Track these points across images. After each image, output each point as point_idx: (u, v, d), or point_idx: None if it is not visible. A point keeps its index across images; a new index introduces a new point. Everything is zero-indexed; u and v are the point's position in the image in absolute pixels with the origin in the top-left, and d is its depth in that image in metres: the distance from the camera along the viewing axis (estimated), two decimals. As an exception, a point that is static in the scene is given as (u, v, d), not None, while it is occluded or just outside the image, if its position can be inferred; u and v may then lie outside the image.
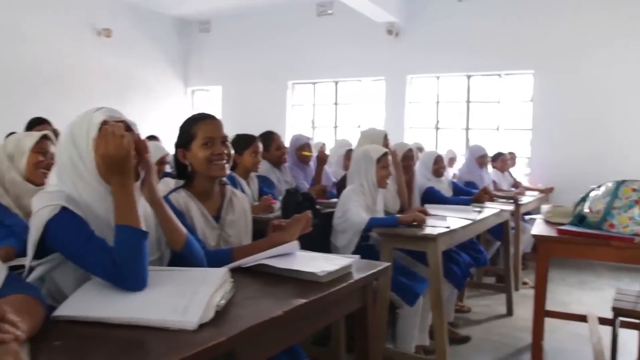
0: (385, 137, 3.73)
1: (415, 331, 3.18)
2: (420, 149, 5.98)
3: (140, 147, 1.45)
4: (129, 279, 1.27)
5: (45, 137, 2.28)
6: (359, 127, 9.05)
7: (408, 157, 3.92)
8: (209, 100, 10.64)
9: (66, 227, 1.30)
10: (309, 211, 1.87)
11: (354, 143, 5.52)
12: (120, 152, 1.35)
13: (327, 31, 8.84)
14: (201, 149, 1.84)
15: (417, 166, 4.31)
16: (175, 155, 1.92)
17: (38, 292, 1.17)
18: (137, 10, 9.27)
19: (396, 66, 8.38)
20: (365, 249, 3.09)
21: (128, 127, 1.45)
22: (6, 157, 2.20)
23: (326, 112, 9.42)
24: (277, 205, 3.16)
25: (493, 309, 4.50)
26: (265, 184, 3.51)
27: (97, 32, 8.72)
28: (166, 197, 1.80)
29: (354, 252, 2.98)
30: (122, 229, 1.32)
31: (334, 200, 3.97)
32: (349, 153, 5.10)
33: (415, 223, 2.99)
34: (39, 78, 7.75)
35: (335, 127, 9.29)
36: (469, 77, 8.06)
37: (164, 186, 1.89)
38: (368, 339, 1.80)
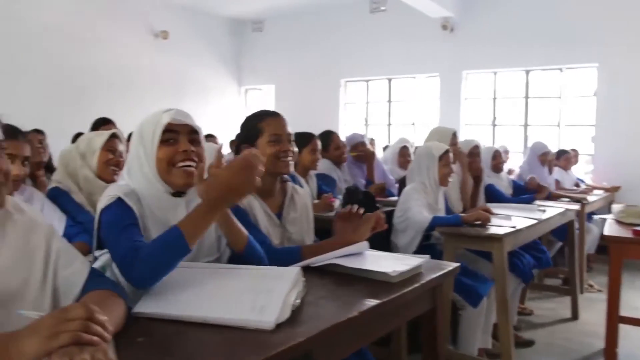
0: (454, 135, 3.63)
1: (478, 333, 3.09)
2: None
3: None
4: (140, 273, 1.21)
5: (114, 136, 2.34)
6: (413, 124, 8.92)
7: (474, 154, 3.82)
8: (262, 99, 10.76)
9: (112, 215, 1.34)
10: (380, 211, 1.84)
11: (410, 140, 5.45)
12: (247, 190, 1.31)
13: (380, 28, 8.76)
14: (268, 146, 1.84)
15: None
16: (237, 151, 1.92)
17: (119, 288, 1.19)
18: (192, 11, 9.46)
19: (451, 62, 8.21)
20: (426, 248, 3.03)
21: (194, 130, 1.45)
22: (79, 156, 2.27)
23: (379, 110, 9.33)
24: (337, 203, 3.14)
25: (557, 312, 4.33)
26: (324, 182, 3.50)
27: (155, 35, 8.96)
28: None
29: (415, 252, 2.93)
30: (176, 233, 1.25)
31: (393, 198, 3.92)
32: (403, 150, 5.03)
33: (479, 222, 2.90)
34: (102, 81, 8.05)
35: (389, 124, 9.20)
36: (527, 72, 7.80)
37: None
38: (437, 342, 1.75)
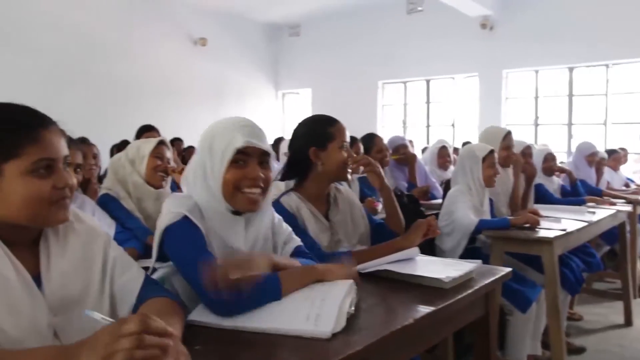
0: (507, 136, 3.49)
1: (527, 340, 3.00)
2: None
3: None
4: (228, 309, 1.18)
5: (161, 143, 2.38)
6: (452, 125, 8.80)
7: (526, 155, 3.72)
8: (299, 102, 10.81)
9: (180, 235, 1.30)
10: (432, 217, 1.80)
11: (449, 141, 5.37)
12: (348, 274, 1.37)
13: (418, 29, 8.68)
14: (339, 151, 1.84)
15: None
16: (296, 154, 1.90)
17: (176, 295, 1.19)
18: (230, 18, 9.59)
19: (491, 61, 8.06)
20: (471, 251, 2.96)
21: (265, 152, 1.40)
22: (128, 163, 2.32)
23: (417, 111, 9.24)
24: (380, 207, 3.11)
25: (608, 318, 4.17)
26: (366, 186, 3.46)
27: (194, 42, 9.12)
28: (277, 201, 1.81)
29: (461, 256, 2.87)
30: (274, 282, 1.24)
31: (436, 201, 3.86)
32: (442, 151, 4.94)
33: (527, 225, 2.82)
34: (143, 88, 8.25)
35: (428, 126, 9.10)
36: (571, 69, 7.60)
37: (274, 189, 1.89)
38: (490, 350, 1.71)
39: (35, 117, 1.04)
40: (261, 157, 1.38)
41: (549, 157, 4.24)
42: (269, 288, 1.23)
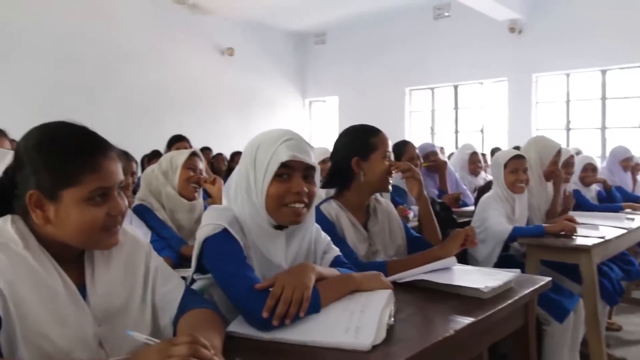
0: (559, 152, 3.37)
1: (565, 350, 2.93)
2: (578, 153, 5.48)
3: None
4: (265, 319, 1.17)
5: (194, 154, 2.40)
6: (481, 131, 8.70)
7: (569, 164, 3.64)
8: (326, 110, 10.83)
9: (219, 247, 1.29)
10: (470, 227, 1.78)
11: (477, 147, 5.28)
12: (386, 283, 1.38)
13: (445, 34, 8.62)
14: (382, 162, 1.85)
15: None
16: (338, 164, 1.90)
17: (215, 306, 1.20)
18: (256, 27, 9.69)
19: (520, 65, 7.95)
20: (504, 259, 2.91)
21: (310, 166, 1.37)
22: (161, 174, 2.35)
23: (446, 117, 9.17)
24: (412, 214, 3.08)
25: (648, 328, 4.05)
26: (397, 194, 3.44)
27: (221, 52, 9.24)
28: (317, 208, 1.80)
29: (495, 264, 2.82)
30: (314, 296, 1.22)
31: (468, 208, 3.81)
32: (473, 157, 4.88)
33: (563, 233, 2.76)
34: (172, 98, 8.38)
35: (456, 132, 9.01)
36: (604, 71, 7.43)
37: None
38: (530, 361, 1.67)
39: (95, 143, 1.05)
40: (306, 171, 1.35)
41: (589, 167, 4.12)
42: (314, 301, 1.22)
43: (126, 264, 1.13)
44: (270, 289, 1.21)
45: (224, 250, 1.29)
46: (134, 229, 1.23)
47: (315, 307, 1.22)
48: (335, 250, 1.51)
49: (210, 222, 1.33)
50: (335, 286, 1.30)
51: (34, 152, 1.01)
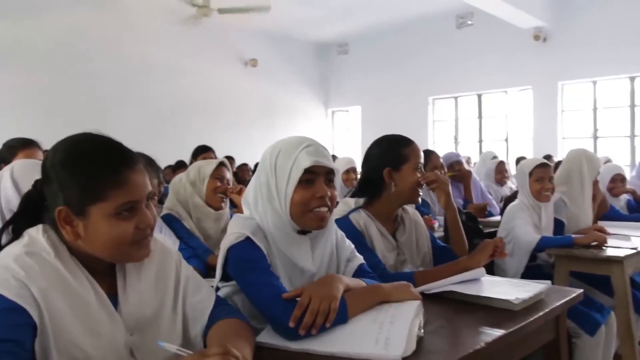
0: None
1: (596, 364, 2.86)
2: (608, 162, 5.36)
3: None
4: (292, 328, 1.18)
5: (222, 164, 2.43)
6: (505, 140, 8.60)
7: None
8: (349, 120, 10.83)
9: (243, 256, 1.31)
10: (499, 238, 1.76)
11: (502, 156, 5.20)
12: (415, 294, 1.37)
13: (468, 43, 8.58)
14: (413, 173, 1.85)
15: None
16: (369, 173, 1.90)
17: (244, 316, 1.20)
18: (279, 38, 9.77)
19: (545, 73, 7.85)
20: (531, 269, 2.86)
21: (331, 171, 1.38)
22: (189, 184, 2.37)
23: (469, 127, 9.10)
24: (437, 224, 3.06)
25: (683, 341, 3.92)
26: (422, 204, 3.41)
27: (245, 63, 9.34)
28: (346, 217, 1.81)
29: (522, 274, 2.78)
30: (341, 306, 1.23)
31: (494, 218, 3.76)
32: (499, 166, 4.81)
33: (594, 244, 2.70)
34: (196, 108, 8.50)
35: (480, 141, 8.93)
36: (632, 78, 7.29)
37: (343, 206, 1.90)
38: (562, 375, 1.63)
39: (121, 157, 1.04)
40: (327, 175, 1.37)
41: (617, 178, 4.02)
42: (340, 313, 1.22)
43: (157, 273, 1.13)
44: (298, 299, 1.21)
45: (248, 259, 1.30)
46: (164, 238, 1.25)
47: (342, 317, 1.22)
48: (360, 259, 1.50)
49: (234, 231, 1.35)
50: (363, 297, 1.30)
51: (60, 168, 1.02)
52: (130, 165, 1.03)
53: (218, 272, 1.39)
